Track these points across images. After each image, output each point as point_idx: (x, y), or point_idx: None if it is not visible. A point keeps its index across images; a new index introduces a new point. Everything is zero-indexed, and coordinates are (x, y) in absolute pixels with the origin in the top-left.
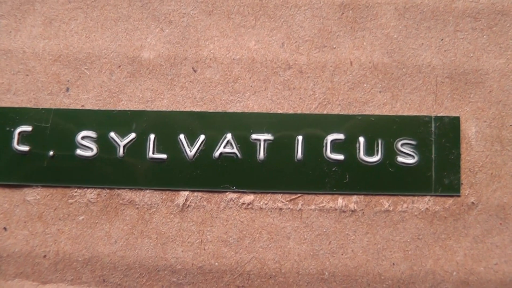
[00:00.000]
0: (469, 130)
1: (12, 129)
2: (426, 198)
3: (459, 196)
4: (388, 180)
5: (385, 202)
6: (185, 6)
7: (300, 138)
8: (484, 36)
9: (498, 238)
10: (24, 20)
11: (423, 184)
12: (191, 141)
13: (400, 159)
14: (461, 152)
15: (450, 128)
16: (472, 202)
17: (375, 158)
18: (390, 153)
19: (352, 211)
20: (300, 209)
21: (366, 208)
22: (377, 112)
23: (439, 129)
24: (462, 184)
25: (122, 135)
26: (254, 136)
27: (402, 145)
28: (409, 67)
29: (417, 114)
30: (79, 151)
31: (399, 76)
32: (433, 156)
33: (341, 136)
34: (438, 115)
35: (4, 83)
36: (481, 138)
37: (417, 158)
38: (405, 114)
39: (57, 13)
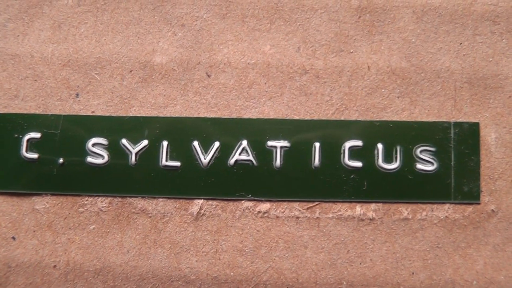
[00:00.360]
0: (488, 136)
1: (21, 136)
2: (446, 206)
3: (478, 203)
4: (407, 187)
5: (404, 210)
6: (198, 9)
7: (317, 144)
8: (504, 40)
9: None
10: (32, 24)
11: (443, 191)
12: (205, 148)
13: (419, 166)
14: (481, 159)
15: (469, 134)
16: (492, 210)
17: (393, 165)
18: (409, 160)
19: (370, 219)
20: (317, 217)
21: (385, 217)
22: (395, 118)
23: (459, 135)
24: (481, 191)
25: (134, 142)
26: (270, 143)
27: (421, 151)
28: (427, 72)
29: (436, 120)
30: (89, 159)
31: (417, 81)
32: (452, 163)
33: (359, 142)
34: (457, 121)
35: (12, 89)
36: (501, 145)
37: (436, 165)
38: (423, 120)
39: (66, 16)
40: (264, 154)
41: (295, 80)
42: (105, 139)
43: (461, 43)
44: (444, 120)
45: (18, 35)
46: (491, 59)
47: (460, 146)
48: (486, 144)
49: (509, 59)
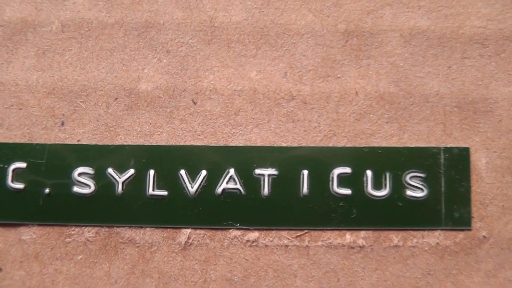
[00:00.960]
0: (479, 161)
1: (6, 166)
2: (436, 233)
3: (470, 229)
4: (397, 214)
5: (394, 237)
6: (183, 35)
7: (305, 172)
8: (493, 63)
9: (511, 272)
10: (16, 51)
11: (433, 218)
12: (193, 176)
13: (409, 192)
14: (471, 184)
15: (459, 160)
16: (484, 236)
17: (383, 192)
18: (399, 186)
19: (360, 247)
20: (306, 245)
21: (375, 244)
22: (384, 144)
23: (448, 160)
24: (473, 217)
25: (121, 171)
26: (257, 171)
27: (410, 178)
28: (416, 97)
29: (426, 146)
30: (76, 188)
31: (406, 106)
32: (442, 189)
33: (347, 169)
34: (447, 146)
35: None
36: (491, 169)
37: (426, 191)
38: (413, 145)
39: (50, 43)
40: (251, 182)
41: (282, 107)
42: (91, 168)
43: (449, 67)
44: (434, 145)
45: (2, 62)
46: (480, 83)
47: (450, 171)
48: (477, 169)
49: (498, 83)
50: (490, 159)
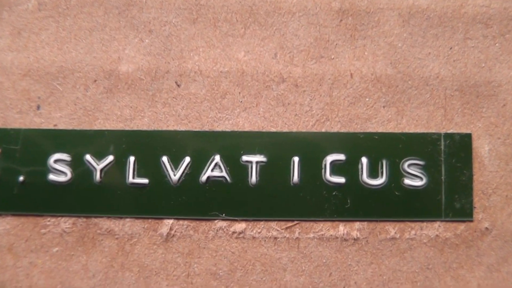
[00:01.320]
0: (481, 148)
1: None
2: (436, 224)
3: (471, 221)
4: (394, 204)
5: (391, 229)
6: (167, 14)
7: (296, 159)
8: (497, 44)
9: None
10: None
11: (433, 208)
12: (175, 164)
13: (407, 181)
14: (474, 173)
15: (461, 147)
16: (486, 228)
17: (379, 181)
18: (396, 174)
19: (354, 239)
20: (297, 237)
21: (370, 236)
22: (381, 129)
23: (449, 147)
24: (474, 208)
25: (99, 157)
26: (245, 158)
27: (409, 165)
28: (415, 79)
29: (425, 131)
30: (52, 176)
31: (404, 89)
32: (443, 177)
33: (341, 156)
34: (448, 132)
35: None
36: (494, 157)
37: (425, 180)
38: (411, 131)
39: (26, 22)
40: (238, 170)
41: (272, 89)
42: (68, 155)
43: (451, 48)
44: (434, 131)
45: None
46: (483, 65)
47: (451, 159)
48: (479, 157)
49: (502, 65)
50: (494, 146)
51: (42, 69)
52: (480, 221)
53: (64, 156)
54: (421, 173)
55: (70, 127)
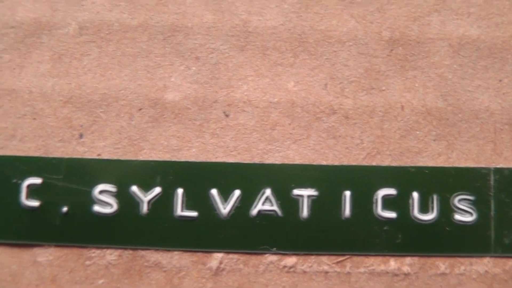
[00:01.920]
0: None
1: (20, 182)
2: (485, 260)
3: None
4: (444, 240)
5: (441, 264)
6: (214, 40)
7: (347, 193)
8: None
9: None
10: (29, 55)
11: (482, 244)
12: (225, 196)
13: (457, 216)
14: None
15: (510, 181)
16: None
17: (430, 216)
18: (447, 210)
19: (405, 274)
20: (348, 272)
21: (421, 271)
22: (431, 163)
23: (499, 182)
24: None
25: (146, 189)
26: (296, 192)
27: (459, 201)
28: (465, 112)
29: (475, 166)
30: (96, 207)
31: (454, 123)
32: (492, 213)
33: (392, 191)
34: (498, 166)
35: (8, 128)
36: None
37: (475, 216)
38: (461, 165)
39: (67, 47)
40: (289, 203)
41: (323, 121)
42: (113, 186)
43: (500, 80)
44: (484, 165)
45: (14, 67)
46: None
47: (500, 194)
48: None
49: None
50: None
51: (85, 96)
52: None
53: (109, 187)
54: (471, 208)
55: (114, 157)
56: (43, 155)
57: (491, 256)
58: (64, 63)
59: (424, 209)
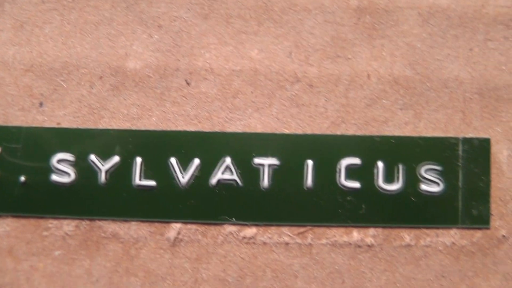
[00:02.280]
0: (500, 154)
1: None
2: (452, 231)
3: (488, 228)
4: (409, 210)
5: (406, 235)
6: (177, 8)
7: (310, 162)
8: None
9: None
10: None
11: (449, 215)
12: (184, 166)
13: (423, 187)
14: (491, 179)
15: (479, 152)
16: (503, 235)
17: (395, 186)
18: (412, 180)
19: (368, 246)
20: (309, 243)
21: (385, 243)
22: (397, 132)
23: (467, 152)
24: (492, 215)
25: (104, 158)
26: (257, 161)
27: (426, 170)
28: (434, 81)
29: (443, 136)
30: (54, 177)
31: (422, 92)
32: (460, 183)
33: (357, 160)
34: (466, 136)
35: None
36: None
37: (442, 186)
38: (429, 135)
39: (29, 15)
40: (250, 173)
41: (286, 90)
42: (72, 155)
43: (471, 49)
44: (452, 135)
45: None
46: (504, 68)
47: (469, 164)
48: (498, 162)
49: None
50: None
51: (46, 65)
52: (497, 229)
53: (68, 156)
54: (438, 178)
55: (74, 126)
56: (3, 124)
57: (458, 228)
58: (26, 31)
59: (389, 179)
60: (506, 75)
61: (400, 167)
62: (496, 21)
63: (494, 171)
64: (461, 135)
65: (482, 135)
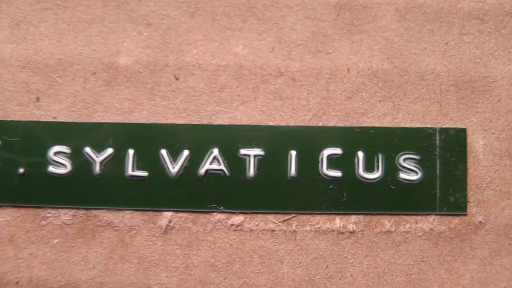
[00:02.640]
0: (476, 143)
1: None
2: (431, 218)
3: (465, 215)
4: (389, 198)
5: (387, 222)
6: (165, 7)
7: (293, 153)
8: (492, 40)
9: (507, 259)
10: None
11: (427, 202)
12: (174, 156)
13: (402, 175)
14: (468, 167)
15: (456, 141)
16: (480, 221)
17: (375, 175)
18: (392, 169)
19: (350, 232)
20: (294, 230)
21: (366, 229)
22: (377, 123)
23: (444, 142)
24: (468, 202)
25: (99, 150)
26: (243, 151)
27: (404, 160)
28: (411, 74)
29: (421, 126)
30: (51, 168)
31: (400, 84)
32: (437, 172)
33: (338, 150)
34: (443, 126)
35: None
36: (489, 152)
37: (420, 174)
38: (407, 126)
39: (25, 14)
40: (236, 163)
41: (270, 83)
42: (68, 147)
43: (447, 43)
44: (429, 126)
45: None
46: (479, 61)
47: (446, 154)
48: (474, 152)
49: (498, 60)
50: (488, 140)
51: (41, 61)
52: (474, 215)
53: (64, 149)
54: (416, 167)
55: (69, 120)
56: (2, 119)
57: (436, 214)
58: (22, 30)
59: (369, 168)
60: (481, 67)
61: (380, 156)
62: (471, 16)
63: (470, 160)
64: (438, 125)
65: (459, 125)
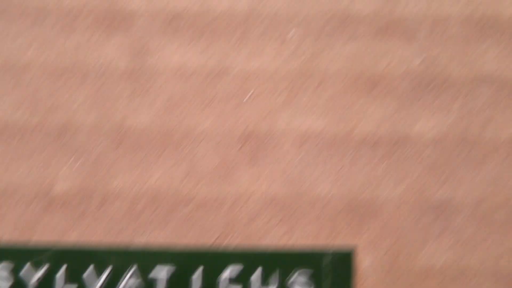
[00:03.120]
0: (363, 262)
1: None
2: None
3: None
4: None
5: None
6: (95, 138)
7: (200, 269)
8: (382, 165)
9: None
10: None
11: None
12: (99, 272)
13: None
14: (356, 282)
15: (345, 258)
16: None
17: None
18: (287, 283)
19: None
20: None
21: None
22: (274, 243)
23: (335, 259)
24: None
25: (36, 268)
26: (158, 268)
27: (299, 274)
28: (307, 198)
29: (313, 245)
30: None
31: (297, 207)
32: (329, 285)
33: (239, 267)
34: (335, 244)
35: None
36: (375, 270)
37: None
38: (302, 243)
39: None
40: (150, 280)
41: (180, 210)
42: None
43: (341, 168)
44: (322, 243)
45: None
46: (369, 185)
47: (336, 269)
48: (361, 269)
49: (387, 184)
50: (375, 258)
51: None
52: None
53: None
54: (307, 283)
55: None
56: None
57: None
58: None
59: (266, 282)
60: (371, 191)
61: (277, 271)
62: (364, 143)
63: (359, 275)
64: (330, 243)
65: (349, 243)
